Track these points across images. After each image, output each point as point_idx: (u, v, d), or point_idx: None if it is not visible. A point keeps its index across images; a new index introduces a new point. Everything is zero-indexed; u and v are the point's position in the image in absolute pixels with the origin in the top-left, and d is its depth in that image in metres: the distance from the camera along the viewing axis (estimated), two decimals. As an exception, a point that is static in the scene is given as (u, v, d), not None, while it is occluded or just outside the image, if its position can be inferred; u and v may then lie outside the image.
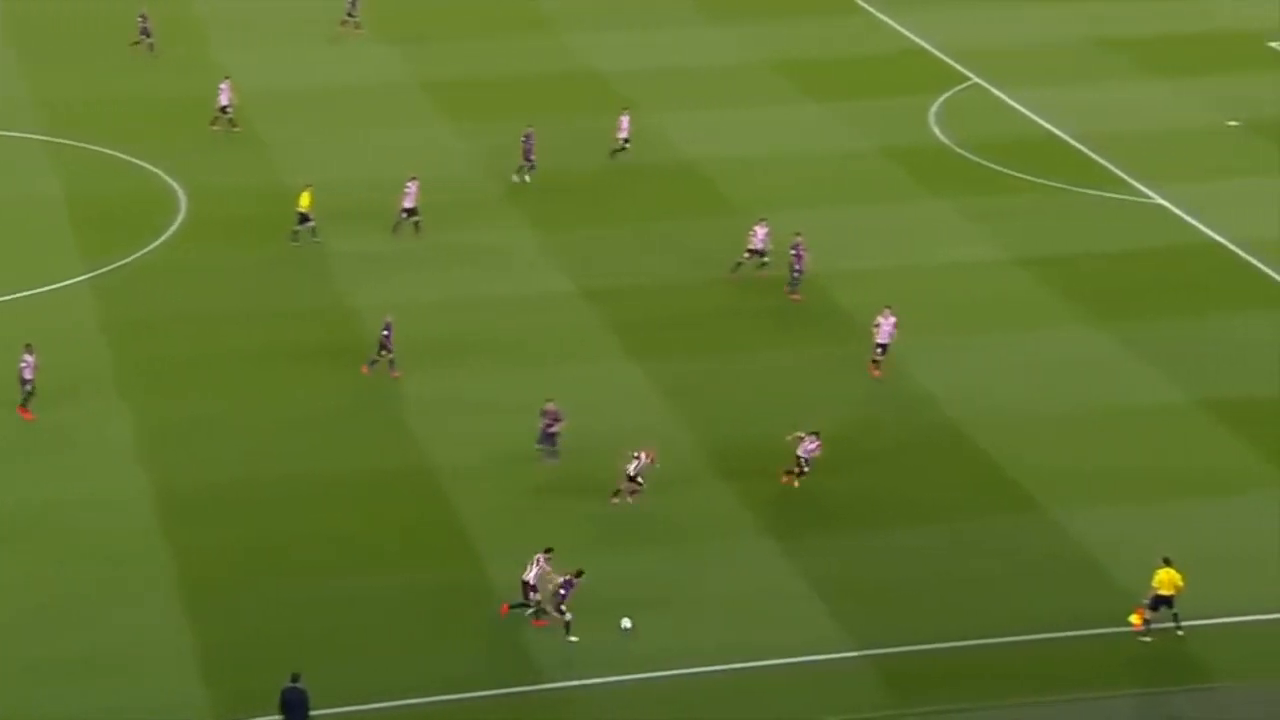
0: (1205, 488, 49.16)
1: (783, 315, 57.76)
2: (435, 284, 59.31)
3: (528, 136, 66.31)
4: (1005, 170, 68.20)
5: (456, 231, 62.71)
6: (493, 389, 53.10)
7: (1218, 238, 63.06)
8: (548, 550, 44.17)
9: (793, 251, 58.11)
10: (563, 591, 43.28)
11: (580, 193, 66.14)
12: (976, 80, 76.95)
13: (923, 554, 46.36)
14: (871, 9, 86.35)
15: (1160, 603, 43.47)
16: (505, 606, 44.02)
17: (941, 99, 74.95)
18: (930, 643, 43.41)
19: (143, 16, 78.22)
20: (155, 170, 67.25)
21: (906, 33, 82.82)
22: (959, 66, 78.41)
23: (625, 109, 68.94)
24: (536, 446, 49.73)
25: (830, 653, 43.13)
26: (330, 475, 49.30)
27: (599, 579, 44.87)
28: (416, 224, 62.11)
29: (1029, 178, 67.60)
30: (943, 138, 71.32)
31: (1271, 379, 54.23)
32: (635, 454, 47.84)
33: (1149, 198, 66.21)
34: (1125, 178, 67.65)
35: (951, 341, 55.71)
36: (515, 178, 66.15)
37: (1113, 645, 43.40)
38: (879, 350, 53.80)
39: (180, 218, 63.64)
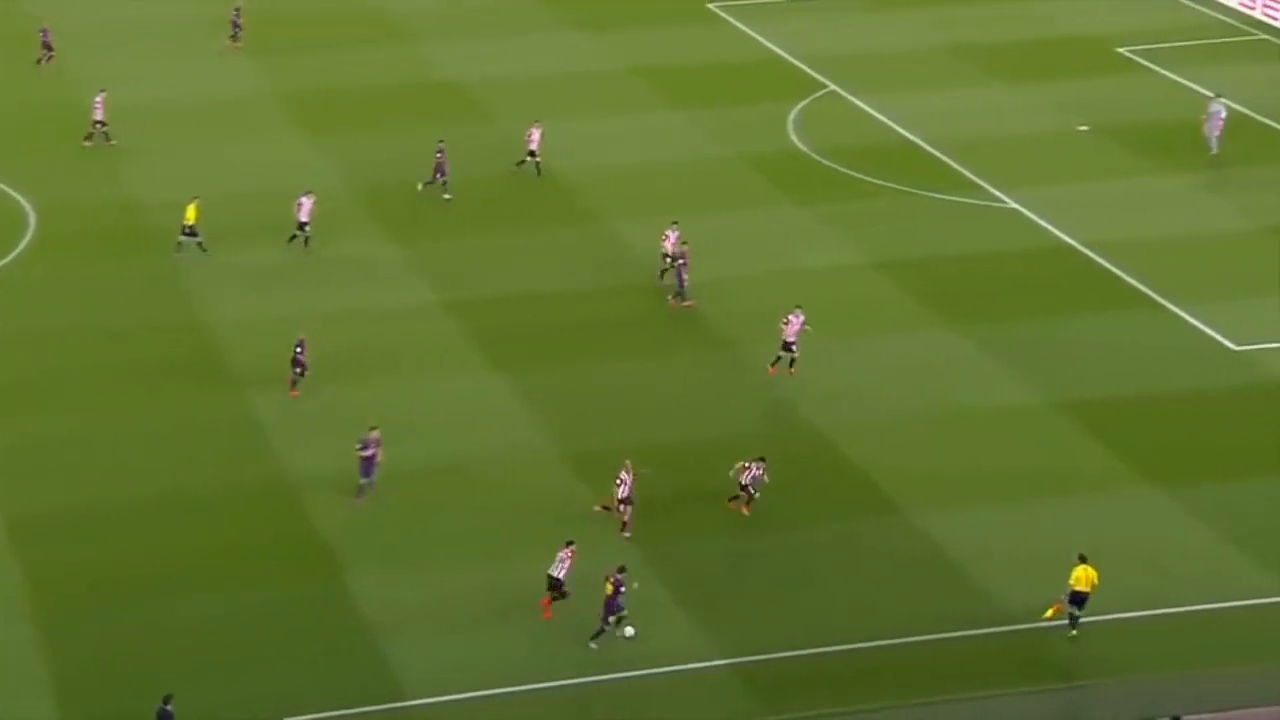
0: (1063, 488, 49.67)
1: (648, 323, 57.87)
2: (294, 298, 58.90)
3: (440, 150, 65.75)
4: (862, 176, 68.65)
5: (318, 245, 62.26)
6: (353, 403, 52.83)
7: (1070, 241, 63.80)
8: (569, 543, 44.29)
9: (680, 261, 58.28)
10: (619, 593, 42.84)
11: (443, 204, 65.83)
12: (833, 87, 77.41)
13: (787, 559, 46.49)
14: (729, 18, 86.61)
15: (1078, 599, 43.85)
16: (546, 605, 43.79)
17: (799, 106, 75.33)
18: (796, 649, 43.52)
19: (44, 31, 77.22)
20: (3, 187, 66.36)
21: (764, 41, 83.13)
22: (815, 74, 78.84)
23: (536, 121, 68.64)
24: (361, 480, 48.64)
25: (695, 661, 43.12)
26: (187, 493, 48.84)
27: (466, 593, 44.72)
28: (306, 239, 61.60)
29: (886, 183, 68.08)
30: (801, 144, 71.68)
31: (1125, 380, 54.91)
32: (620, 477, 47.17)
33: (1003, 202, 66.88)
34: (980, 182, 68.30)
35: (813, 346, 56.07)
36: (421, 186, 65.71)
37: (974, 647, 43.70)
38: (783, 348, 54.05)
39: (29, 235, 62.80)
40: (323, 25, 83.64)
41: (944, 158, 70.43)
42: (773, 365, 54.41)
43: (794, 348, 54.11)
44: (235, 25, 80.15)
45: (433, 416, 52.52)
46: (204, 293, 59.09)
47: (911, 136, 72.54)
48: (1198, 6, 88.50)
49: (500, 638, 43.70)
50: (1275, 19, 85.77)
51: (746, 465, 47.89)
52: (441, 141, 66.43)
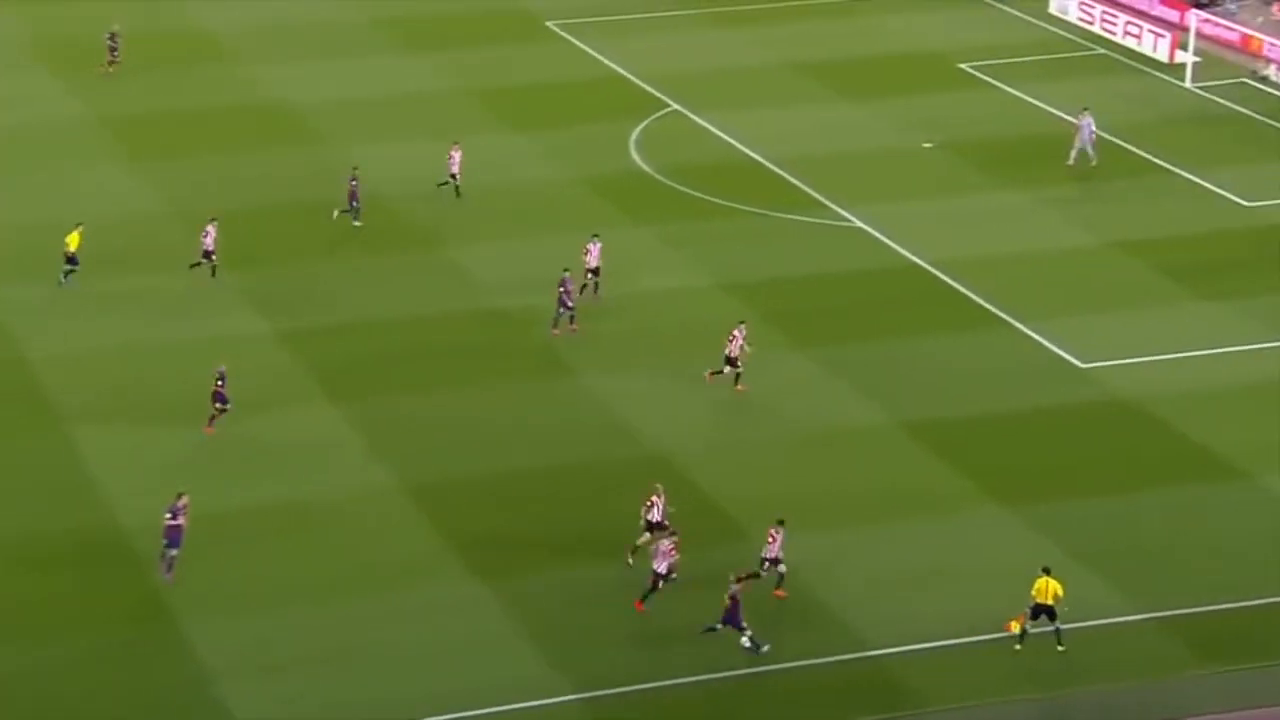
0: (912, 509, 49.42)
1: (488, 350, 57.14)
2: (113, 329, 57.54)
3: (354, 178, 64.92)
4: (706, 196, 68.37)
5: (138, 276, 60.96)
6: (186, 443, 51.50)
7: (916, 259, 63.74)
8: (673, 533, 44.76)
9: (561, 289, 57.60)
10: (734, 601, 42.82)
11: (271, 229, 64.72)
12: (675, 106, 77.17)
13: (633, 592, 45.81)
14: (568, 36, 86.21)
15: (1040, 611, 43.68)
16: (640, 604, 43.98)
17: (641, 126, 75.01)
18: (641, 682, 42.86)
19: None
20: None
21: (604, 59, 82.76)
22: (657, 93, 78.58)
23: (456, 142, 67.86)
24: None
25: (542, 697, 42.36)
26: (3, 537, 47.38)
27: (294, 631, 43.69)
28: (213, 268, 60.30)
29: (730, 203, 67.84)
30: (643, 165, 71.34)
31: (973, 399, 54.83)
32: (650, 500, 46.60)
33: (848, 221, 66.78)
34: (825, 201, 68.19)
35: (656, 370, 55.43)
36: (336, 214, 64.92)
37: (829, 674, 43.25)
38: (726, 363, 54.09)
39: None
40: (145, 46, 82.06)
41: (789, 176, 70.29)
42: (710, 374, 54.53)
43: (737, 363, 53.93)
44: (112, 50, 78.67)
45: (269, 452, 51.36)
46: (18, 326, 57.52)
47: (755, 155, 72.36)
48: (1037, 22, 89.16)
49: (340, 675, 42.68)
50: (1114, 34, 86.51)
51: (771, 538, 45.87)
52: (355, 168, 65.58)
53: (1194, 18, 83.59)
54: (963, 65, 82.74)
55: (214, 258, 60.27)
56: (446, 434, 52.39)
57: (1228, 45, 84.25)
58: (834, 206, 67.86)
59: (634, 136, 73.90)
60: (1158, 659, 43.96)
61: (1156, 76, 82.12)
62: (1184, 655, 44.06)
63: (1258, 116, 76.33)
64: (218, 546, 47.15)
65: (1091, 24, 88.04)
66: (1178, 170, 71.34)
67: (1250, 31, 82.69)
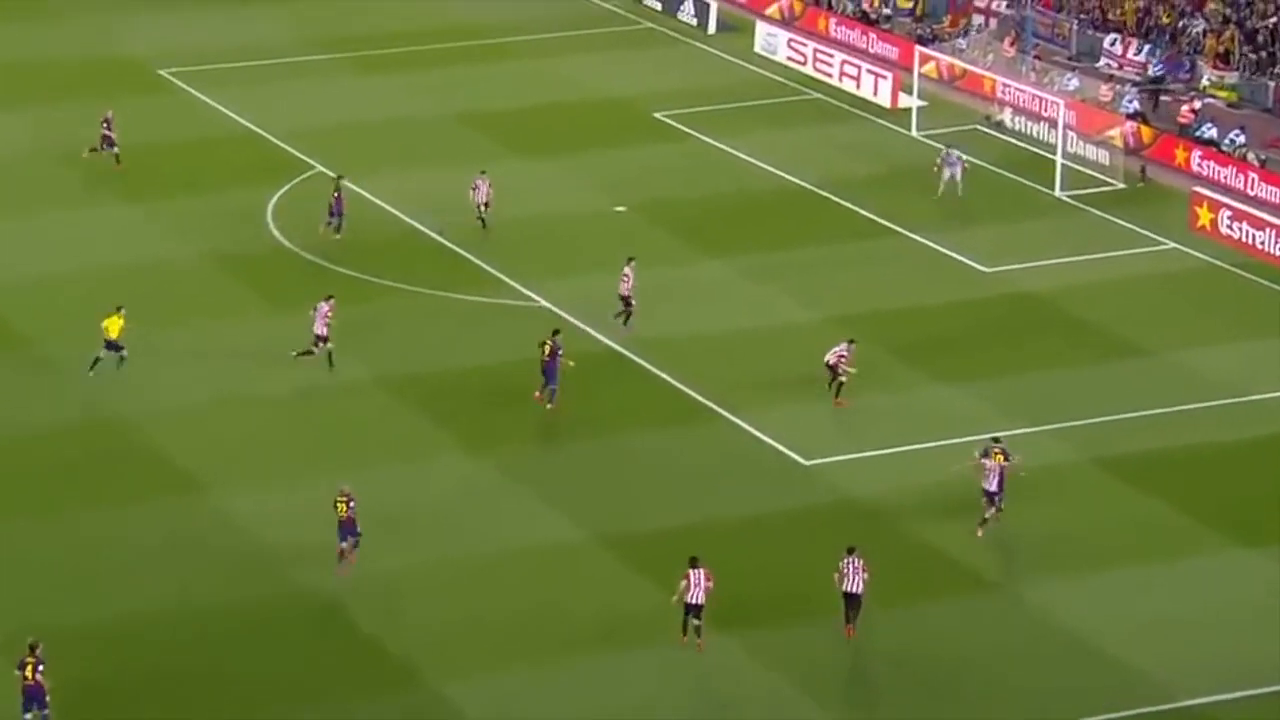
0: (613, 638, 49.23)
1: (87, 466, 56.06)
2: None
3: (337, 190, 70.03)
4: (362, 275, 67.96)
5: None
6: None
7: (609, 342, 63.73)
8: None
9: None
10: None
11: None
12: (320, 167, 76.78)
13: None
14: (187, 86, 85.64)
15: None
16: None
17: (281, 191, 74.69)
18: None
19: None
20: None
21: (231, 114, 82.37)
22: (297, 152, 78.25)
23: (482, 171, 71.26)
24: None
25: None
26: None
27: None
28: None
29: (391, 283, 67.54)
30: (283, 239, 70.81)
31: (688, 505, 54.95)
32: None
33: (533, 300, 66.62)
34: (504, 277, 68.09)
35: (288, 477, 55.06)
36: (322, 228, 69.40)
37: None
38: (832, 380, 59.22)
39: None
40: None
41: (461, 250, 70.06)
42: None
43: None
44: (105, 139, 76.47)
45: None
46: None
47: (420, 226, 71.91)
48: (741, 62, 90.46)
49: None
50: (829, 76, 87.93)
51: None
52: (340, 178, 70.51)
53: (917, 55, 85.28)
54: (658, 114, 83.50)
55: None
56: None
57: (957, 87, 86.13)
58: (514, 283, 67.72)
59: (272, 205, 73.48)
60: None
61: (878, 124, 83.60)
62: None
63: (991, 167, 77.97)
64: None
65: (803, 64, 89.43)
66: (905, 231, 72.44)
67: (981, 71, 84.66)
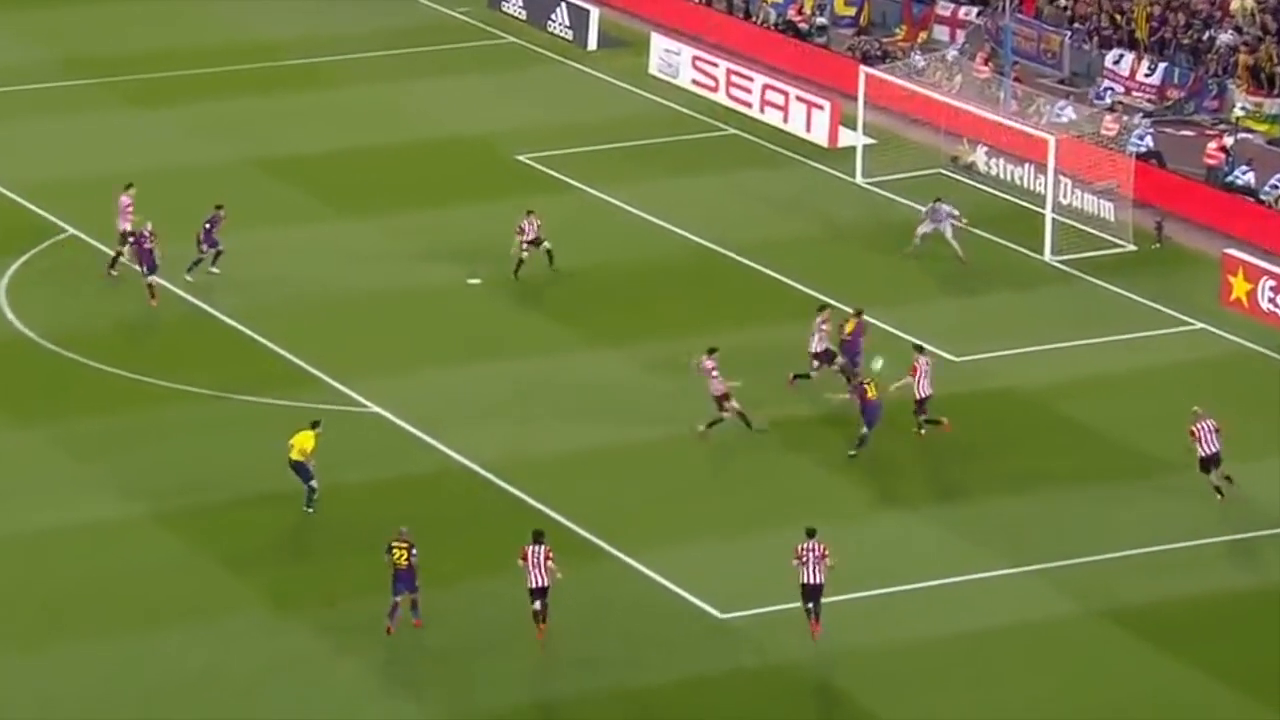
0: None
1: None
2: None
3: (212, 219, 72.85)
4: (126, 372, 67.88)
5: None
6: None
7: (455, 455, 63.76)
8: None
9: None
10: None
11: None
12: (73, 230, 77.14)
13: None
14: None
15: None
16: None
17: (20, 262, 75.06)
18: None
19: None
20: None
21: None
22: (43, 211, 78.86)
23: (530, 211, 73.91)
24: None
25: None
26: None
27: None
28: None
29: (167, 383, 67.41)
30: (21, 325, 71.04)
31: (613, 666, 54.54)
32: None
33: (362, 405, 66.45)
34: (322, 376, 68.19)
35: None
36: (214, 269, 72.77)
37: None
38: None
39: None
40: None
41: (268, 343, 70.10)
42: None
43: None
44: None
45: None
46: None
47: (212, 310, 72.04)
48: (632, 88, 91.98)
49: None
50: (748, 105, 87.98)
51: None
52: (219, 208, 73.49)
53: (863, 78, 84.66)
54: (522, 156, 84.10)
55: None
56: None
57: (914, 120, 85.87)
58: (336, 384, 67.58)
59: (5, 280, 73.44)
60: None
61: (813, 167, 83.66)
62: None
63: (961, 225, 77.26)
64: None
65: (714, 90, 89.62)
66: (847, 309, 71.67)
67: (946, 99, 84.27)
